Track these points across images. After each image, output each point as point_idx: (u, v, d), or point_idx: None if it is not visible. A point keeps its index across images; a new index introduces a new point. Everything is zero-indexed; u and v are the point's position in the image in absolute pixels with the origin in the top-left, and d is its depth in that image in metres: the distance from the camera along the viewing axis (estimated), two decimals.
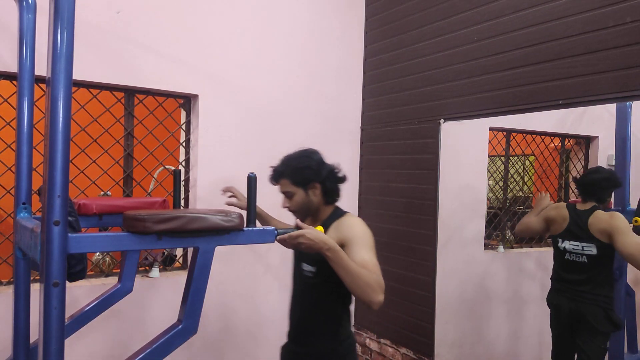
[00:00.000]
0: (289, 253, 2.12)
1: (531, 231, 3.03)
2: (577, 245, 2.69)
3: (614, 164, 3.00)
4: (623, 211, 2.83)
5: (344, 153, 3.41)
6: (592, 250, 2.64)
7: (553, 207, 2.89)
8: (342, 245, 1.75)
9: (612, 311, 2.67)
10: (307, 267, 1.92)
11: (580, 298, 2.70)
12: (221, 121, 2.92)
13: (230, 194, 2.36)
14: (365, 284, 1.65)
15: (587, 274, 2.67)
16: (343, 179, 1.97)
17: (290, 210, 1.97)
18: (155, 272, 2.80)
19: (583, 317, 2.68)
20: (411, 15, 3.04)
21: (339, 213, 1.94)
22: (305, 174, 1.89)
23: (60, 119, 1.19)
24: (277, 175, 1.94)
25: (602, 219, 2.64)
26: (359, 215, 3.46)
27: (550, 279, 2.88)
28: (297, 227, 1.64)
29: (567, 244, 2.74)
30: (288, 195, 1.92)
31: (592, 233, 2.64)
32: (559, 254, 2.79)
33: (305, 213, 1.96)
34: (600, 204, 2.73)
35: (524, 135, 3.46)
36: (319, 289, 1.91)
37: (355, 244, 1.77)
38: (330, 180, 1.93)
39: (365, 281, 1.65)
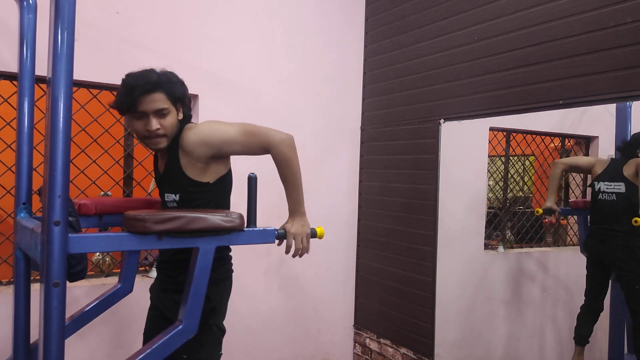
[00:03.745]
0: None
1: (576, 166, 3.30)
2: (610, 185, 2.95)
3: None
4: None
5: (344, 153, 3.41)
6: (622, 188, 2.90)
7: (598, 160, 3.17)
8: (219, 153, 1.66)
9: None
10: (169, 196, 1.75)
11: (609, 239, 2.93)
12: None
13: None
14: (297, 166, 1.70)
15: (615, 212, 2.90)
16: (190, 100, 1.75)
17: (158, 136, 1.63)
18: (155, 272, 2.79)
19: (613, 259, 2.91)
20: (411, 15, 3.04)
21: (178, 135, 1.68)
22: (180, 89, 1.61)
23: (61, 119, 1.19)
24: (152, 86, 1.55)
25: (635, 161, 2.88)
26: (359, 215, 3.45)
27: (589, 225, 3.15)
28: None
29: (602, 185, 2.99)
30: (163, 112, 1.59)
31: (623, 173, 2.89)
32: (594, 197, 3.03)
33: (168, 140, 1.67)
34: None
35: (524, 135, 3.45)
36: None
37: (224, 140, 1.64)
38: (188, 102, 1.69)
39: (295, 165, 1.69)
